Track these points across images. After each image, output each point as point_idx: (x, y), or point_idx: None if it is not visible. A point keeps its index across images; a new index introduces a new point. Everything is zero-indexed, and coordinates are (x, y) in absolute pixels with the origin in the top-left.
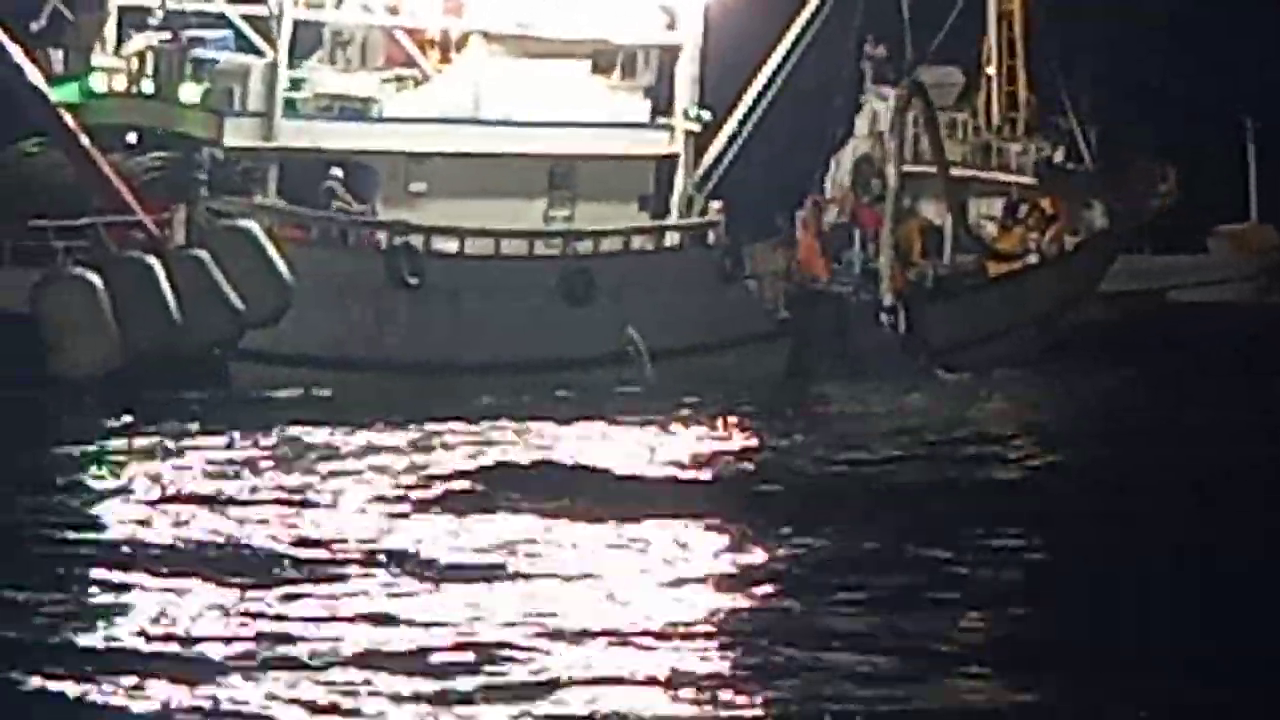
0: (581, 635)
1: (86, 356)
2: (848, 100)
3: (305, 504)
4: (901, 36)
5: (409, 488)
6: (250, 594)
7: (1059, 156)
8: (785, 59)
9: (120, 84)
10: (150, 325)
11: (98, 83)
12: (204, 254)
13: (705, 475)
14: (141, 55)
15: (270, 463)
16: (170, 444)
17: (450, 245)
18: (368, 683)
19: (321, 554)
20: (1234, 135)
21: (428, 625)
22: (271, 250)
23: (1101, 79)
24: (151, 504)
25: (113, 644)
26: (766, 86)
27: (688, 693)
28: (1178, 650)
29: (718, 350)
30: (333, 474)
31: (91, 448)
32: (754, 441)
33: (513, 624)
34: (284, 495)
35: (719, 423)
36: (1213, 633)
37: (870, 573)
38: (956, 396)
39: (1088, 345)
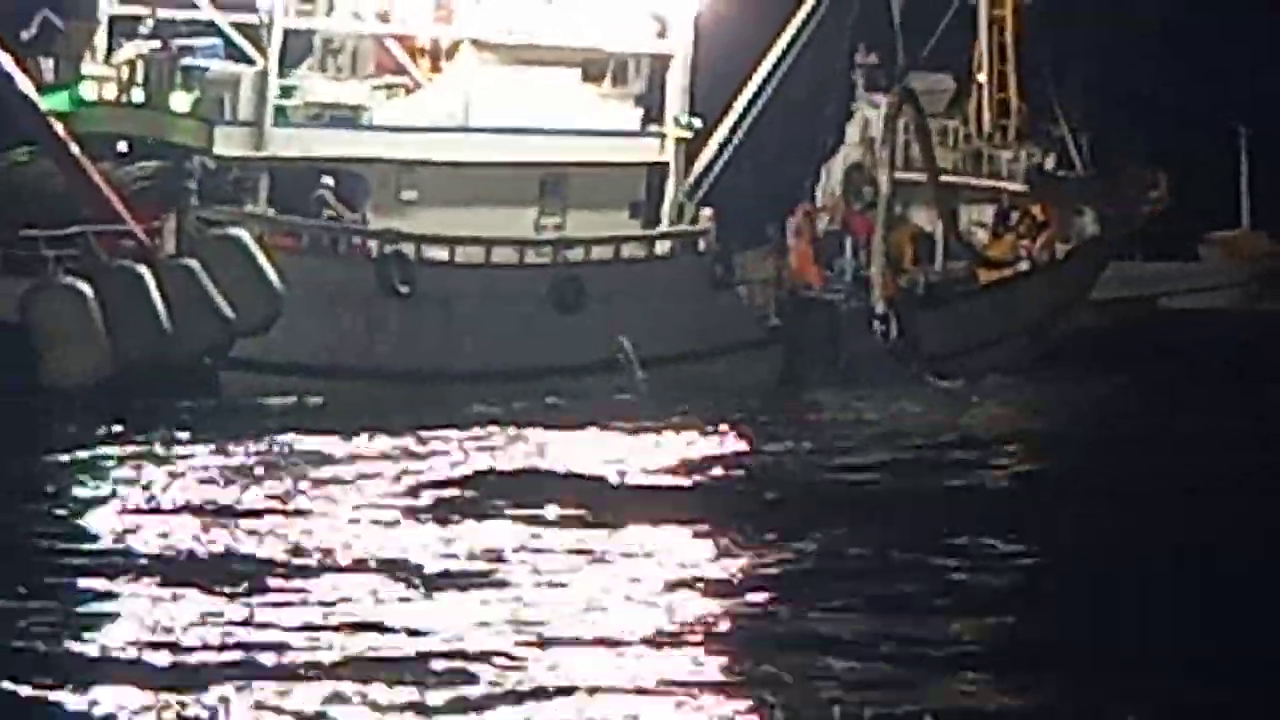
0: (570, 642)
1: (77, 365)
2: (838, 108)
3: (295, 512)
4: (892, 43)
5: (398, 495)
6: (239, 602)
7: (1050, 163)
8: (776, 67)
9: (110, 92)
10: (140, 334)
11: (88, 91)
12: (194, 263)
13: (695, 481)
14: (132, 64)
15: (260, 471)
16: (160, 452)
17: (441, 253)
18: (356, 692)
19: (311, 562)
20: (1226, 142)
21: (416, 633)
22: (262, 259)
23: (1093, 86)
24: (141, 512)
25: (102, 652)
26: (757, 94)
27: (679, 700)
28: (1173, 651)
29: (709, 358)
30: (323, 482)
31: (82, 456)
32: (744, 447)
33: (502, 632)
34: (274, 504)
35: (709, 429)
36: (1208, 634)
37: (862, 578)
38: (948, 403)
39: (1079, 352)
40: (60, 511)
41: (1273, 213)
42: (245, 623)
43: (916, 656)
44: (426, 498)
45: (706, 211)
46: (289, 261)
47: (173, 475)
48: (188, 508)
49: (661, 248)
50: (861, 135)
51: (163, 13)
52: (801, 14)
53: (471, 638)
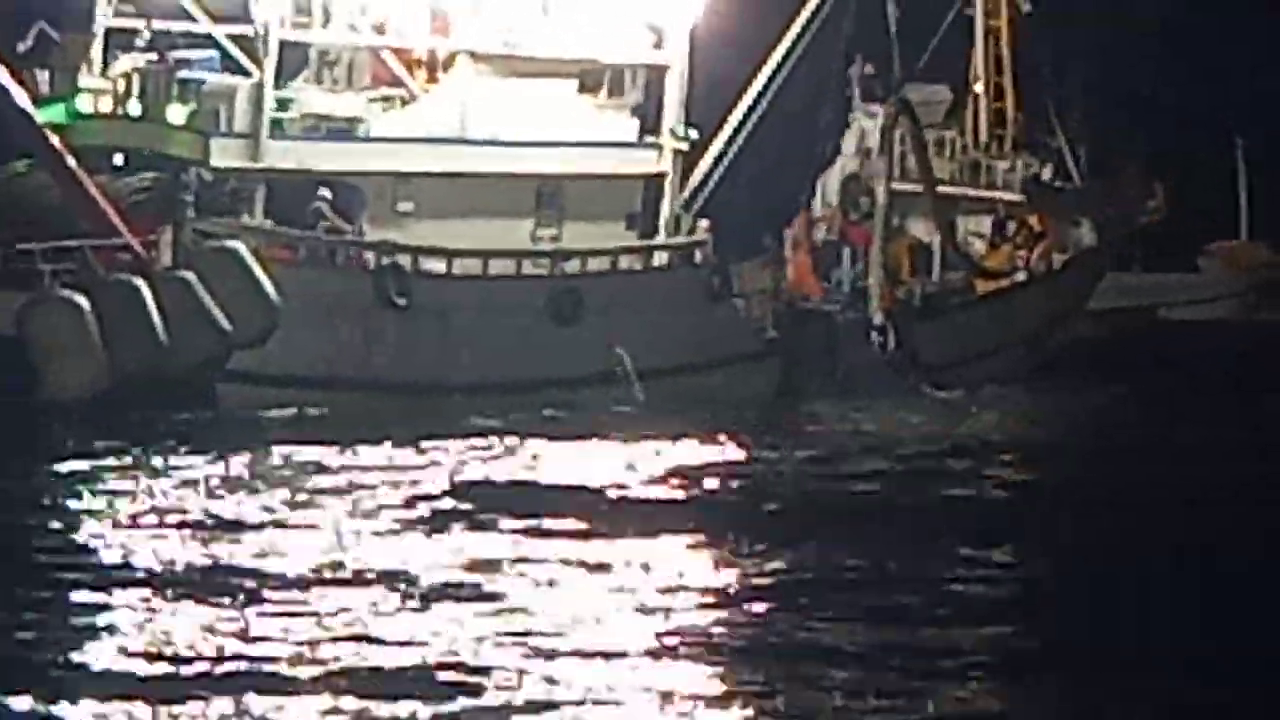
0: (568, 654)
1: (74, 378)
2: (835, 118)
3: (290, 524)
4: (889, 54)
5: (395, 507)
6: (236, 614)
7: (1047, 174)
8: (772, 78)
9: (107, 105)
10: (137, 347)
11: (84, 104)
12: (191, 275)
13: (693, 492)
14: (128, 76)
15: (257, 483)
16: (157, 464)
17: (438, 265)
18: (354, 705)
19: (308, 574)
20: (1225, 150)
21: (413, 645)
22: (258, 271)
23: (1092, 87)
24: (137, 525)
25: (98, 665)
26: (754, 105)
27: (679, 711)
28: (1172, 654)
29: (706, 370)
30: (319, 493)
31: (79, 469)
32: (742, 457)
33: (500, 644)
34: (271, 516)
35: (706, 440)
36: (1207, 638)
37: (861, 588)
38: (946, 414)
39: (1077, 363)
40: (57, 524)
41: (1272, 223)
42: (242, 635)
43: (916, 666)
44: (423, 509)
45: (703, 223)
46: (286, 274)
47: (169, 487)
48: (184, 520)
49: (659, 259)
50: (858, 146)
51: (159, 25)
52: (798, 25)
53: (469, 650)
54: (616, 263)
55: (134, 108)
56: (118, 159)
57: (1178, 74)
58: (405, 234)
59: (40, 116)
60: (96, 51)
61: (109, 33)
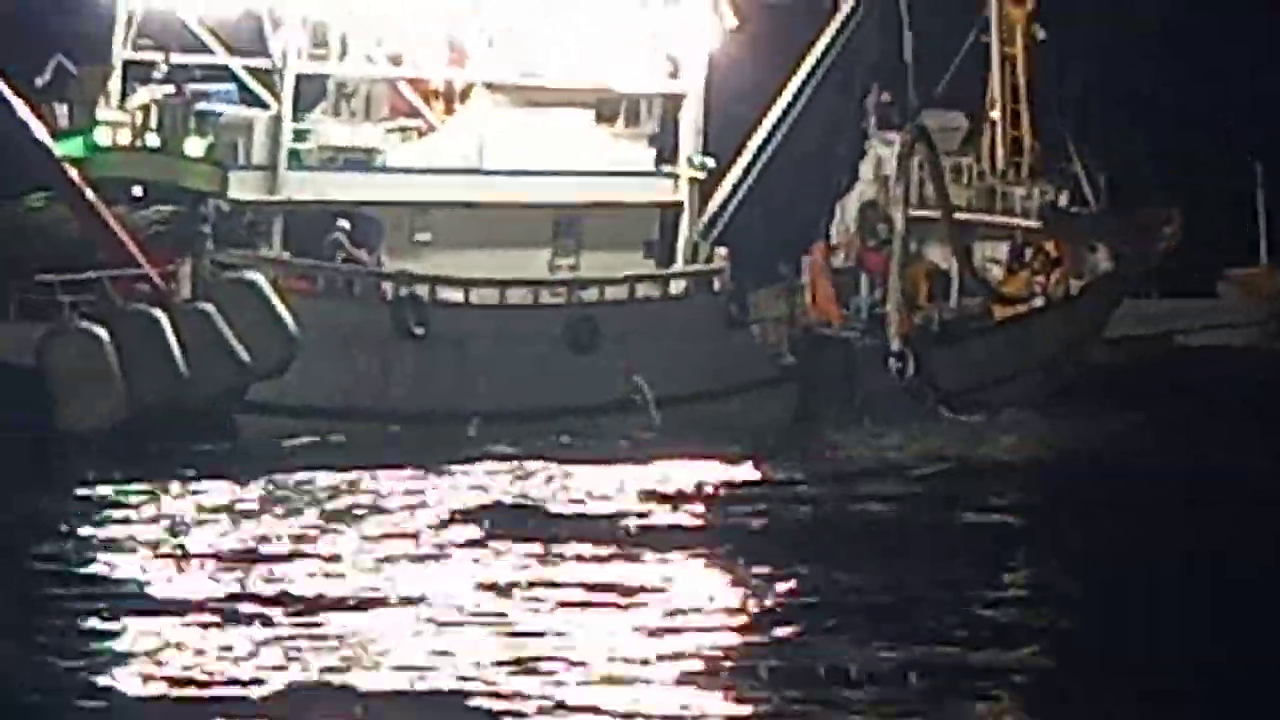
0: (583, 677)
1: (92, 409)
2: (852, 146)
3: (310, 552)
4: (905, 81)
5: (412, 532)
6: (252, 640)
7: (1064, 200)
8: (790, 106)
9: (125, 138)
10: (156, 378)
11: (102, 137)
12: (209, 307)
13: (711, 516)
14: (146, 109)
15: (274, 512)
16: (176, 495)
17: (456, 295)
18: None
19: (325, 600)
20: (1245, 176)
21: (428, 668)
22: (277, 302)
23: (1109, 109)
24: (155, 553)
25: (116, 692)
26: (771, 133)
27: None
28: (1183, 663)
29: (723, 396)
30: (336, 520)
31: (98, 499)
32: (759, 480)
33: (514, 666)
34: (289, 543)
35: (723, 465)
36: (1218, 646)
37: (879, 610)
38: (964, 439)
39: (1095, 388)
40: (77, 554)
41: None
42: (261, 660)
43: (937, 686)
44: (439, 533)
45: (721, 251)
46: (304, 304)
47: (188, 517)
48: (202, 549)
49: (676, 287)
50: (875, 173)
51: (177, 58)
52: (815, 53)
53: (484, 672)
54: (634, 291)
55: (152, 140)
56: (136, 191)
57: (1200, 98)
58: (423, 264)
59: (59, 149)
60: (114, 84)
61: (127, 66)
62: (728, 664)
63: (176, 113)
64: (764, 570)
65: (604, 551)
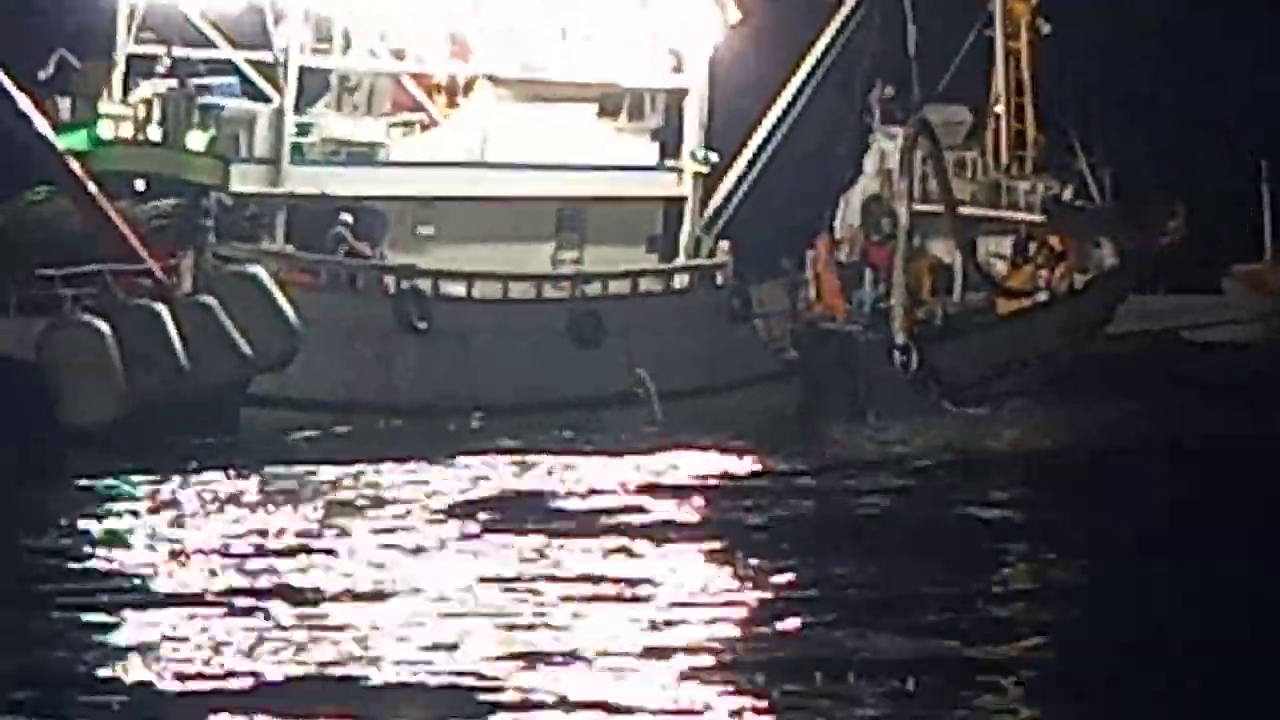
0: (584, 667)
1: (94, 403)
2: (855, 140)
3: (308, 547)
4: (908, 76)
5: (412, 523)
6: (255, 632)
7: (1068, 194)
8: (793, 100)
9: (127, 131)
10: (158, 371)
11: (105, 130)
12: (211, 300)
13: (714, 507)
14: (149, 102)
15: (276, 505)
16: (178, 489)
17: (458, 289)
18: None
19: (325, 591)
20: (1251, 171)
21: (425, 662)
22: (279, 296)
23: (1112, 104)
24: (158, 548)
25: (119, 685)
26: (774, 128)
27: None
28: (1200, 663)
29: (726, 390)
30: (336, 513)
31: (100, 493)
32: (761, 473)
33: (516, 657)
34: (291, 536)
35: (726, 457)
36: (1228, 639)
37: (880, 602)
38: (967, 433)
39: (1099, 382)
40: (78, 548)
41: None
42: (264, 652)
43: (936, 679)
44: (441, 526)
45: (724, 245)
46: (306, 298)
47: (189, 511)
48: (204, 542)
49: (679, 281)
50: (879, 167)
51: (179, 52)
52: (818, 47)
53: (485, 665)
54: (637, 285)
55: (155, 134)
56: (139, 185)
57: (1205, 94)
58: (426, 258)
59: (61, 143)
60: (117, 78)
61: (130, 59)
62: (729, 657)
63: (179, 106)
64: (765, 563)
65: (606, 544)
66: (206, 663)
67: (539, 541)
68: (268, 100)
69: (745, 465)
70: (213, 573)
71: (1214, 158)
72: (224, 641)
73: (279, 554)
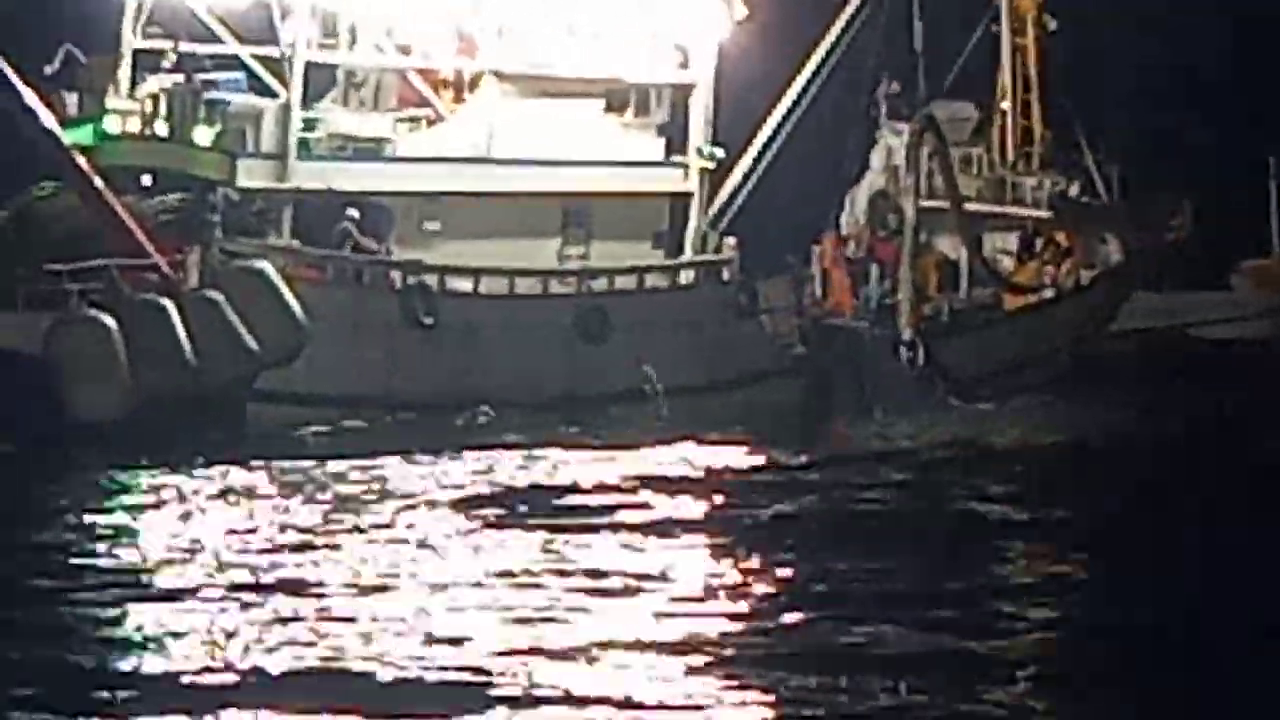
0: (594, 659)
1: (101, 398)
2: (862, 136)
3: (314, 541)
4: (915, 72)
5: (416, 520)
6: (256, 625)
7: (1074, 190)
8: (799, 96)
9: (134, 126)
10: (164, 367)
11: (111, 125)
12: (218, 295)
13: (721, 501)
14: (155, 98)
15: (284, 499)
16: (184, 484)
17: (465, 284)
18: (385, 712)
19: (329, 584)
20: (1257, 170)
21: (431, 655)
22: (285, 291)
23: (1120, 105)
24: (164, 542)
25: (121, 677)
26: (781, 124)
27: (707, 716)
28: (1209, 655)
29: (733, 386)
30: (342, 506)
31: (107, 488)
32: (768, 469)
33: (526, 648)
34: (293, 532)
35: (731, 453)
36: (1240, 633)
37: (888, 596)
38: (974, 428)
39: (1105, 379)
40: (85, 542)
41: None
42: (267, 646)
43: (942, 671)
44: (447, 520)
45: (730, 241)
46: (313, 293)
47: (196, 506)
48: (211, 536)
49: (685, 277)
50: (885, 163)
51: (186, 47)
52: (825, 43)
53: (490, 659)
54: (643, 281)
55: (161, 129)
56: (145, 180)
57: (1210, 88)
58: (432, 253)
59: (68, 138)
60: (124, 73)
61: (136, 54)
62: (733, 651)
63: (185, 101)
64: (772, 557)
65: (612, 539)
66: (212, 657)
67: (544, 536)
68: (274, 95)
69: (751, 460)
70: (219, 567)
71: (1222, 153)
72: (230, 635)
73: (285, 548)
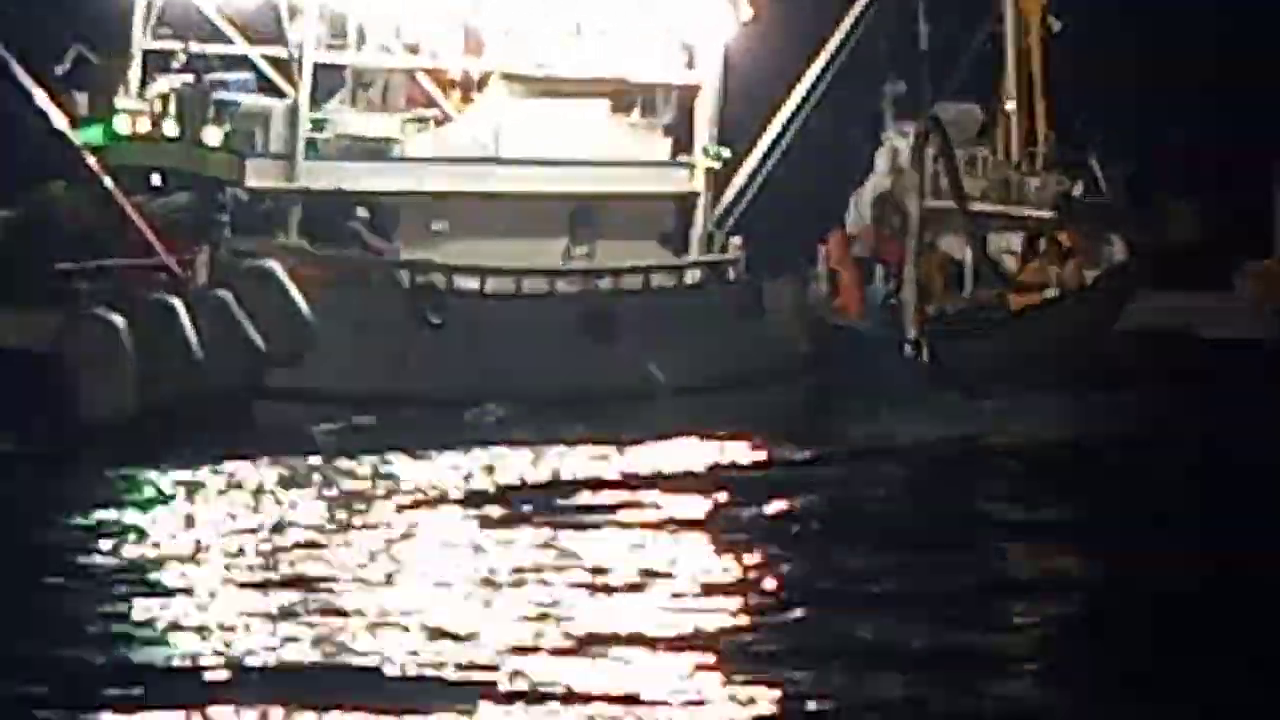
0: (601, 654)
1: (110, 397)
2: (867, 137)
3: (321, 538)
4: (920, 73)
5: (423, 517)
6: (273, 620)
7: (1078, 191)
8: (805, 97)
9: (144, 127)
10: (173, 365)
11: (121, 125)
12: (227, 294)
13: (721, 500)
14: (165, 98)
15: (292, 497)
16: (193, 482)
17: (472, 284)
18: (405, 707)
19: (335, 580)
20: (1260, 171)
21: (435, 651)
22: (294, 290)
23: (1126, 105)
24: (173, 539)
25: (129, 674)
26: (787, 124)
27: (713, 711)
28: (1216, 653)
29: (739, 386)
30: (349, 504)
31: (115, 486)
32: (774, 465)
33: (533, 643)
34: (301, 529)
35: (736, 451)
36: (1232, 639)
37: (892, 592)
38: (979, 427)
39: (1109, 378)
40: (95, 541)
41: None
42: (275, 642)
43: (947, 666)
44: (453, 517)
45: (736, 240)
46: (321, 293)
47: (205, 504)
48: (220, 533)
49: (691, 277)
50: (891, 164)
51: (195, 47)
52: (831, 44)
53: (498, 654)
54: (649, 281)
55: (171, 129)
56: (155, 179)
57: (1213, 88)
58: (439, 253)
59: (78, 138)
60: (134, 73)
61: (146, 55)
62: (738, 647)
63: (195, 101)
64: (776, 553)
65: (617, 536)
66: (220, 653)
67: (549, 533)
68: (283, 96)
69: (754, 456)
70: (227, 563)
71: (1225, 153)
72: (240, 631)
73: (293, 544)
